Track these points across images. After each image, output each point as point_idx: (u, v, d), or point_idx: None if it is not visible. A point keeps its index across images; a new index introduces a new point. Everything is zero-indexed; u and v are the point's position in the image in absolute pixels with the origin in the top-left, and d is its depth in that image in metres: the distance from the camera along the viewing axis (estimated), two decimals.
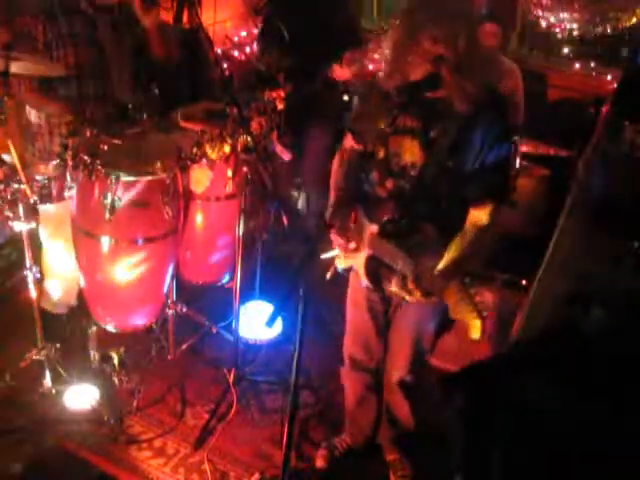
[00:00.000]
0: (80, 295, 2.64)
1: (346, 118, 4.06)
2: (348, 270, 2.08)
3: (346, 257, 2.01)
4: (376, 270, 1.91)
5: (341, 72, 3.24)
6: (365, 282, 1.97)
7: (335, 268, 2.09)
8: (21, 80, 2.38)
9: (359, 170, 2.01)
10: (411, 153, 1.84)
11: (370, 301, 2.14)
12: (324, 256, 2.05)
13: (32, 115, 2.59)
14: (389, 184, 1.90)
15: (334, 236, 1.95)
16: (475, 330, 1.64)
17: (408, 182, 1.87)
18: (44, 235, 2.64)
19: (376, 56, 4.44)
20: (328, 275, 2.11)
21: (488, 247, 1.91)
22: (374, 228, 1.87)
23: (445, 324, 2.16)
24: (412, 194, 1.86)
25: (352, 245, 1.93)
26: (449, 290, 1.66)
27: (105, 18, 2.55)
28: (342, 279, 2.21)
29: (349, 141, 2.04)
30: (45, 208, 2.37)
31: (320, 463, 2.42)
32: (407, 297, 1.80)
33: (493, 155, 1.78)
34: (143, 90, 2.68)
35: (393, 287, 1.82)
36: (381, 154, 1.91)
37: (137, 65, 2.65)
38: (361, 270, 1.96)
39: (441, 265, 1.77)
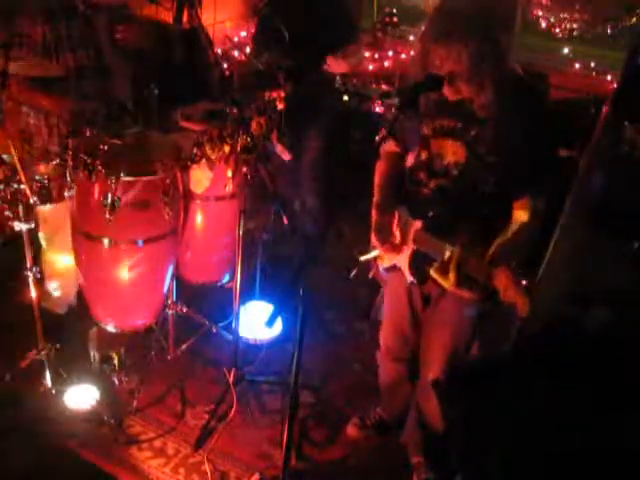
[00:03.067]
0: (80, 295, 2.64)
1: (346, 119, 4.08)
2: (389, 269, 2.13)
3: (389, 256, 2.07)
4: (421, 265, 1.95)
5: (336, 65, 3.23)
6: (410, 278, 2.02)
7: (376, 268, 2.16)
8: (18, 78, 2.38)
9: (400, 171, 2.08)
10: (454, 153, 1.88)
11: (411, 297, 2.18)
12: (364, 257, 2.12)
13: (31, 115, 2.59)
14: (432, 184, 1.95)
15: (375, 235, 2.03)
16: (523, 309, 1.64)
17: (451, 181, 1.91)
18: (42, 235, 2.64)
19: (376, 56, 4.45)
20: (370, 274, 2.21)
21: (528, 243, 1.90)
22: (418, 224, 1.93)
23: (482, 328, 2.15)
24: (455, 192, 1.90)
25: (397, 241, 1.99)
26: (499, 274, 1.67)
27: (103, 19, 2.55)
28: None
29: (390, 145, 2.10)
30: (42, 208, 2.37)
31: (351, 431, 2.52)
32: (443, 282, 1.81)
33: (533, 147, 1.78)
34: (142, 90, 2.68)
35: (432, 271, 1.83)
36: (423, 156, 1.97)
37: (136, 64, 2.66)
38: (405, 266, 2.01)
39: (486, 257, 1.79)
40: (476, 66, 1.70)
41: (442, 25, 1.73)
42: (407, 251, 2.00)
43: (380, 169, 2.14)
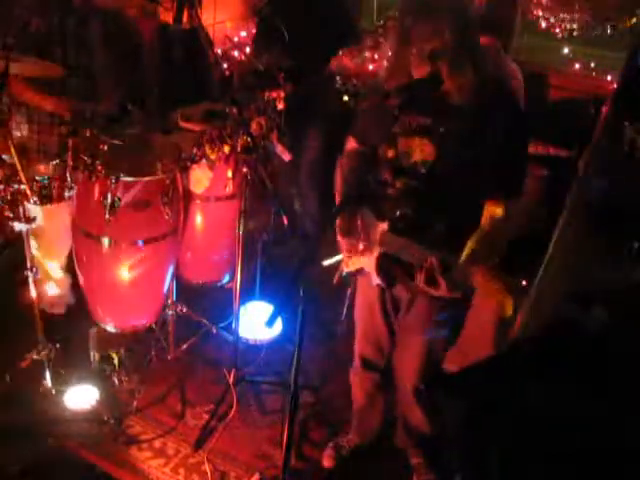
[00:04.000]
0: (80, 295, 2.65)
1: (346, 119, 4.07)
2: (354, 273, 2.07)
3: (354, 260, 2.00)
4: (388, 268, 1.90)
5: (340, 62, 3.23)
6: (377, 281, 1.95)
7: (341, 273, 2.08)
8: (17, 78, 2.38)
9: (364, 171, 2.01)
10: (421, 151, 1.83)
11: (382, 301, 2.12)
12: (327, 262, 2.07)
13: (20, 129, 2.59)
14: (399, 183, 1.89)
15: (341, 239, 1.96)
16: (507, 308, 1.62)
17: (418, 180, 1.86)
18: (38, 249, 2.66)
19: (376, 56, 4.44)
20: (335, 280, 2.11)
21: (507, 238, 1.88)
22: (384, 226, 1.87)
23: (457, 329, 2.14)
24: (423, 191, 1.86)
25: (361, 246, 1.92)
26: (476, 274, 1.64)
27: (98, 19, 2.56)
28: (344, 280, 2.21)
29: (351, 143, 2.04)
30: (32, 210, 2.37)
31: (327, 463, 2.43)
32: (433, 291, 1.77)
33: (506, 147, 1.76)
34: (139, 93, 2.68)
35: (418, 282, 1.79)
36: (390, 154, 1.91)
37: (129, 68, 2.66)
38: (372, 270, 1.94)
39: (462, 257, 1.75)
40: (458, 41, 1.68)
41: (419, 5, 1.72)
42: (374, 254, 1.92)
43: (341, 169, 2.06)
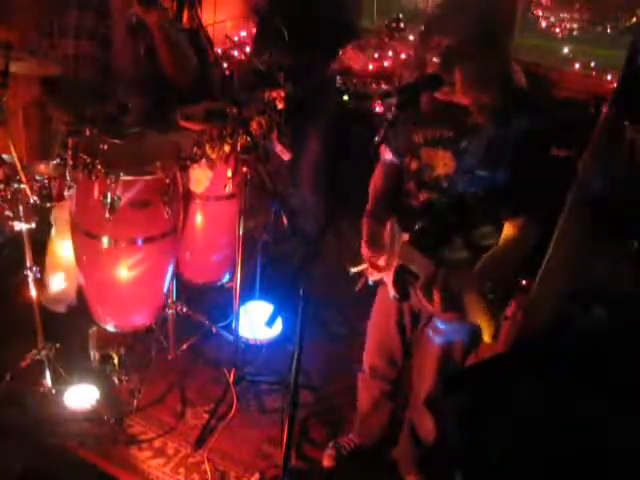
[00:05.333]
0: (80, 294, 2.65)
1: (346, 119, 4.08)
2: (379, 282, 2.04)
3: (374, 270, 1.98)
4: (404, 280, 1.88)
5: (355, 57, 3.24)
6: (392, 293, 1.93)
7: (366, 280, 2.06)
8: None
9: (396, 182, 1.99)
10: (444, 165, 1.80)
11: (400, 313, 2.11)
12: (354, 270, 2.05)
13: None
14: (421, 196, 1.87)
15: (365, 249, 1.95)
16: (486, 334, 1.61)
17: (440, 193, 1.82)
18: (56, 229, 2.66)
19: (376, 56, 4.45)
20: (357, 287, 2.09)
21: (517, 259, 1.81)
22: (405, 237, 1.84)
23: (478, 341, 2.11)
24: (443, 205, 1.82)
25: (382, 261, 1.91)
26: (468, 294, 1.62)
27: (122, 18, 2.56)
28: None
29: (387, 153, 2.02)
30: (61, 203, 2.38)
31: (328, 462, 2.42)
32: (427, 304, 1.73)
33: (527, 165, 1.70)
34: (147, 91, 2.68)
35: (418, 291, 1.75)
36: (414, 166, 1.88)
37: (147, 68, 2.66)
38: (390, 280, 1.92)
39: (471, 273, 1.71)
40: (477, 45, 1.58)
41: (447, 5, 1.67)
42: (394, 265, 1.89)
43: (376, 176, 2.05)
